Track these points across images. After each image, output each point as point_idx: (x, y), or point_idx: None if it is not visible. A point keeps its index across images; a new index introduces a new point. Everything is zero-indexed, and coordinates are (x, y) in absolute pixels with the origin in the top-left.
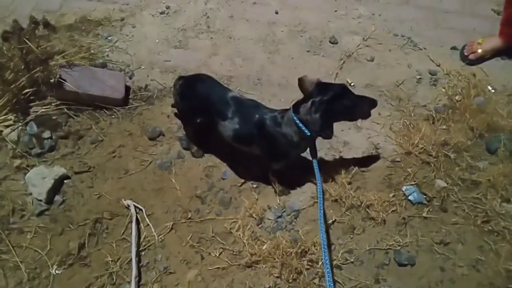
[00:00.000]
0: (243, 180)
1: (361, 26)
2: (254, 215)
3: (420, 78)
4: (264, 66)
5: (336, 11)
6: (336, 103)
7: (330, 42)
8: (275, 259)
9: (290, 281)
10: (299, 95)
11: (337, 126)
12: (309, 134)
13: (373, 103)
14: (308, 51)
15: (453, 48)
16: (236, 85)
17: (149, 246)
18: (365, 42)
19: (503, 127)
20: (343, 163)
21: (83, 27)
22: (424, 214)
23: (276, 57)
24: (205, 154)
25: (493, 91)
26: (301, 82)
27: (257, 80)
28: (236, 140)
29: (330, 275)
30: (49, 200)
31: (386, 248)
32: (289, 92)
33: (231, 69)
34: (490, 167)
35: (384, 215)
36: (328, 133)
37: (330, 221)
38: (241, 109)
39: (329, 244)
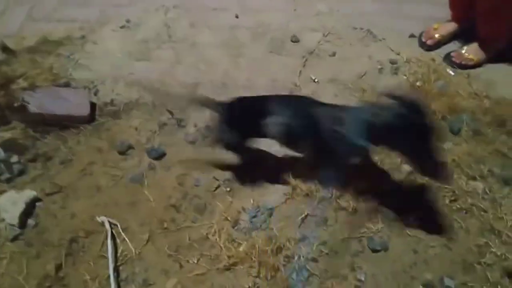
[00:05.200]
0: (216, 185)
1: (320, 23)
2: (229, 218)
3: (381, 68)
4: (229, 70)
5: (295, 10)
6: None
7: (291, 41)
8: (252, 259)
9: (269, 278)
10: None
11: None
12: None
13: None
14: (271, 52)
15: (411, 36)
16: (202, 91)
17: (126, 260)
18: (325, 38)
19: (465, 107)
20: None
21: (44, 48)
22: None
23: (240, 60)
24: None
25: (453, 74)
26: None
27: (222, 85)
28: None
29: None
30: (22, 224)
31: (359, 236)
32: (254, 93)
33: (196, 76)
34: (454, 148)
35: (354, 204)
36: None
37: (303, 215)
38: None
39: (304, 238)
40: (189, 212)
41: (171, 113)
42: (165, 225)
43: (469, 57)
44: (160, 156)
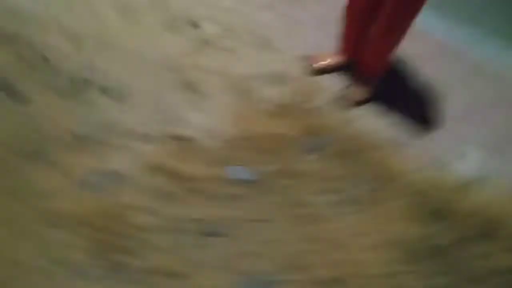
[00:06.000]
0: None
1: (224, 18)
2: None
3: (268, 77)
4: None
5: None
6: None
7: (190, 25)
8: None
9: None
10: None
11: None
12: None
13: None
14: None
15: (302, 57)
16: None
17: None
18: (224, 32)
19: (332, 128)
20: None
21: None
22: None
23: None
24: None
25: (328, 99)
26: None
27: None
28: None
29: None
30: None
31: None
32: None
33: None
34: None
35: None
36: None
37: None
38: None
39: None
40: None
41: None
42: None
43: (360, 93)
44: None
